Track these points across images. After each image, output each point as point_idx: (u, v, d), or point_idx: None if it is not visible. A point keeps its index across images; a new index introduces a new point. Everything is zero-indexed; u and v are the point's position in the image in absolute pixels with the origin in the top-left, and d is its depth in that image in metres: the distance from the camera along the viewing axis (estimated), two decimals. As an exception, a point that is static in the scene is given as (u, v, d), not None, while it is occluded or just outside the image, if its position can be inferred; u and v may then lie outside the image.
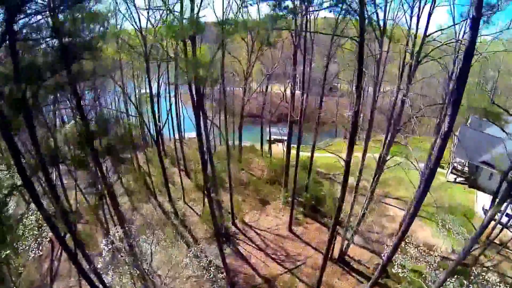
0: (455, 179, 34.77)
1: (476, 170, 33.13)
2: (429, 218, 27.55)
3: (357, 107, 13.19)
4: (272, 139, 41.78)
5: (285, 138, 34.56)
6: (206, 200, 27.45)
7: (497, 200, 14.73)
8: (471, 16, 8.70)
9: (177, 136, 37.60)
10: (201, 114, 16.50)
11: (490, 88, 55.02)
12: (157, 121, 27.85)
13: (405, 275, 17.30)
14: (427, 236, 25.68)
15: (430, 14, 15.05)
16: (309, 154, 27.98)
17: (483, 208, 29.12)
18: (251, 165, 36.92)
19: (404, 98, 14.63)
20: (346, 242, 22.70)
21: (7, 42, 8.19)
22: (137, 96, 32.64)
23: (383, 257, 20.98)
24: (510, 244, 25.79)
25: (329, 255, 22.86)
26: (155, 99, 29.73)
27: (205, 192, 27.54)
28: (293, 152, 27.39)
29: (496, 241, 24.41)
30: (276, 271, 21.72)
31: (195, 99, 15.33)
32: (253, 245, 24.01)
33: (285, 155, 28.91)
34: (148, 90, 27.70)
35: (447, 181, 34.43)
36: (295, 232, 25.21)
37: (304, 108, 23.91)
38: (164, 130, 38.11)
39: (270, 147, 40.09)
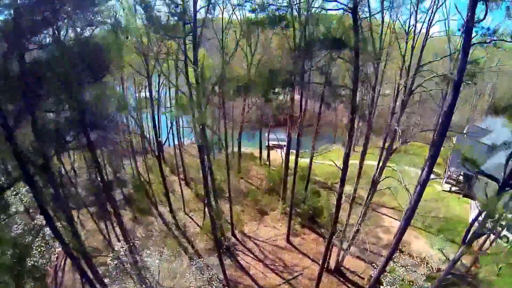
0: (450, 188, 36.36)
1: (471, 179, 34.71)
2: (424, 229, 29.20)
3: (351, 126, 14.75)
4: (271, 145, 43.37)
5: (284, 143, 36.16)
6: (206, 210, 29.02)
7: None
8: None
9: (176, 141, 39.10)
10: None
11: (489, 92, 56.71)
12: (158, 136, 29.29)
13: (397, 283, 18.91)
14: (422, 247, 27.26)
15: (423, 46, 16.54)
16: (308, 160, 29.46)
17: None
18: (250, 173, 38.50)
19: (395, 126, 16.20)
20: (342, 253, 24.32)
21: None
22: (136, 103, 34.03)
23: (375, 268, 22.70)
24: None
25: (326, 266, 24.54)
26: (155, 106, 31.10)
27: (206, 203, 29.18)
28: (292, 157, 28.91)
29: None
30: (275, 282, 23.27)
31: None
32: (252, 256, 25.56)
33: (284, 165, 30.43)
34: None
35: (443, 190, 36.06)
36: (292, 243, 26.77)
37: (303, 115, 25.14)
38: (163, 135, 39.71)
39: (268, 155, 41.67)
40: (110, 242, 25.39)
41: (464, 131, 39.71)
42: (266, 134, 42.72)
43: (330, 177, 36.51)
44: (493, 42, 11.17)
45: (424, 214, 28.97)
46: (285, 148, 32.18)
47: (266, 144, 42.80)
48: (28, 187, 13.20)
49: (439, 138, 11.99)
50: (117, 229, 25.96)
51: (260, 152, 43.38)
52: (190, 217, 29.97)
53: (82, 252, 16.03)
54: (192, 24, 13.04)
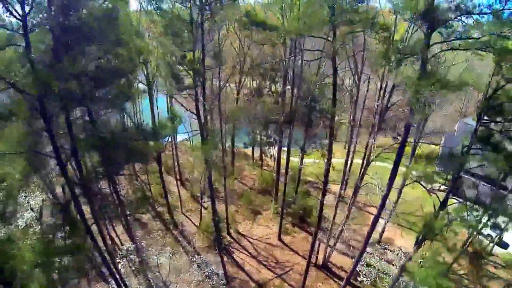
0: (439, 187, 39.65)
1: (459, 178, 37.97)
2: (409, 228, 32.46)
3: (331, 132, 17.62)
4: (262, 142, 46.00)
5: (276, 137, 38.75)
6: (202, 210, 31.84)
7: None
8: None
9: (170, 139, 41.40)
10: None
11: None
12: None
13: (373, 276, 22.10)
14: (405, 244, 30.51)
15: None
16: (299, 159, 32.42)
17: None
18: (243, 173, 41.40)
19: (372, 140, 19.21)
20: (328, 249, 27.45)
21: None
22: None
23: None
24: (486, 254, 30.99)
25: (314, 262, 27.68)
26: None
27: (202, 203, 32.00)
28: (284, 155, 31.64)
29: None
30: (267, 277, 26.30)
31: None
32: (246, 253, 28.52)
33: (276, 165, 33.30)
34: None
35: (432, 189, 39.29)
36: (284, 241, 29.84)
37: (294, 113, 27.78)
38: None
39: (261, 156, 44.44)
40: (114, 241, 28.02)
41: (455, 128, 42.95)
42: (259, 131, 45.38)
43: (321, 177, 39.35)
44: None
45: (409, 213, 32.23)
46: (276, 147, 34.97)
47: (258, 141, 45.41)
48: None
49: (398, 151, 15.07)
50: (116, 229, 28.69)
51: (253, 152, 46.20)
52: (187, 217, 32.75)
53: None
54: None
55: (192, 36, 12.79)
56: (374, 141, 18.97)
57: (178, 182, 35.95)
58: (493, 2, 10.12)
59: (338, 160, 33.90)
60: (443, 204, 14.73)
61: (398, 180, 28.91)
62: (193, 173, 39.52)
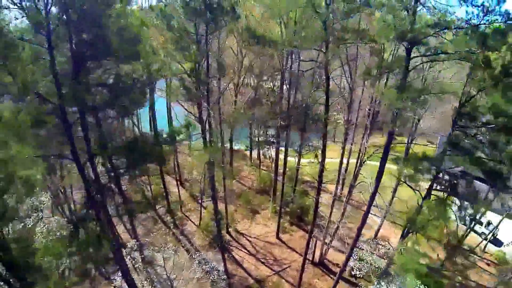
0: (436, 186, 41.10)
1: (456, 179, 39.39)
2: (404, 226, 33.79)
3: (324, 136, 18.87)
4: (260, 140, 47.21)
5: (274, 140, 40.10)
6: (202, 210, 33.04)
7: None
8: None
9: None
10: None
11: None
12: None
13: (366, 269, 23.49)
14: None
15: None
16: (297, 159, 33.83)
17: (458, 216, 35.61)
18: (241, 173, 42.66)
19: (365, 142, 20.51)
20: (325, 247, 28.73)
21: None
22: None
23: (355, 260, 27.28)
24: (478, 250, 32.49)
25: (311, 259, 28.97)
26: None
27: (201, 203, 33.20)
28: (281, 156, 32.90)
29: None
30: (266, 273, 27.52)
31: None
32: (245, 251, 29.73)
33: (274, 166, 34.58)
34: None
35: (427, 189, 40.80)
36: (282, 239, 31.07)
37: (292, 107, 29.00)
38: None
39: (259, 156, 45.76)
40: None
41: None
42: (255, 131, 46.65)
43: (317, 177, 40.73)
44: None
45: (405, 212, 33.54)
46: (274, 147, 36.27)
47: (256, 140, 46.69)
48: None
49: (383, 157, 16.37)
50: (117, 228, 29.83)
51: (251, 152, 47.46)
52: (187, 216, 33.93)
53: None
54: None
55: (198, 50, 14.06)
56: (367, 142, 20.27)
57: (178, 182, 37.07)
58: (471, 17, 11.44)
59: (335, 160, 35.21)
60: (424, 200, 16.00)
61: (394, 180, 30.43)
62: (192, 173, 40.81)
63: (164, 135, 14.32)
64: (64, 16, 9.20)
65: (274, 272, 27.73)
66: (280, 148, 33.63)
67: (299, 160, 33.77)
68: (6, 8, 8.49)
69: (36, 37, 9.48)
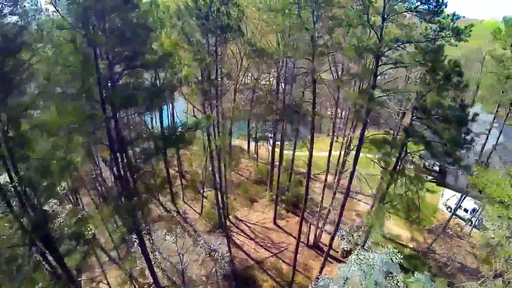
0: (426, 177, 44.71)
1: (444, 169, 43.02)
2: (393, 213, 37.23)
3: (312, 130, 22.04)
4: (257, 136, 50.59)
5: (271, 135, 43.52)
6: (203, 200, 36.24)
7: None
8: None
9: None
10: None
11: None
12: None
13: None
14: (388, 225, 35.36)
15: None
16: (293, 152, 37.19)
17: (445, 204, 39.29)
18: (240, 165, 45.84)
19: (351, 133, 23.72)
20: (319, 230, 32.11)
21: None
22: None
23: (347, 243, 30.72)
24: (463, 235, 36.08)
25: (306, 242, 32.34)
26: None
27: (202, 193, 36.36)
28: (278, 150, 36.23)
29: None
30: (264, 256, 30.72)
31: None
32: (245, 235, 32.91)
33: (270, 158, 37.82)
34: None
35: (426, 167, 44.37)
36: (278, 225, 34.22)
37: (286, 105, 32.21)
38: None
39: (256, 148, 48.96)
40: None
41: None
42: (253, 126, 49.96)
43: (313, 168, 44.08)
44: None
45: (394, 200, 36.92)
46: (271, 141, 39.57)
47: (254, 136, 50.04)
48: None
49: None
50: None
51: (248, 146, 50.67)
52: (189, 205, 37.07)
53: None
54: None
55: (212, 60, 17.12)
56: (353, 134, 23.42)
57: (180, 174, 40.15)
58: (428, 32, 14.61)
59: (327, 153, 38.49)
60: (392, 177, 19.10)
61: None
62: (192, 165, 44.03)
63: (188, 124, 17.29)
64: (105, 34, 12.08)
65: (272, 254, 30.97)
66: (277, 143, 36.95)
67: (293, 152, 37.05)
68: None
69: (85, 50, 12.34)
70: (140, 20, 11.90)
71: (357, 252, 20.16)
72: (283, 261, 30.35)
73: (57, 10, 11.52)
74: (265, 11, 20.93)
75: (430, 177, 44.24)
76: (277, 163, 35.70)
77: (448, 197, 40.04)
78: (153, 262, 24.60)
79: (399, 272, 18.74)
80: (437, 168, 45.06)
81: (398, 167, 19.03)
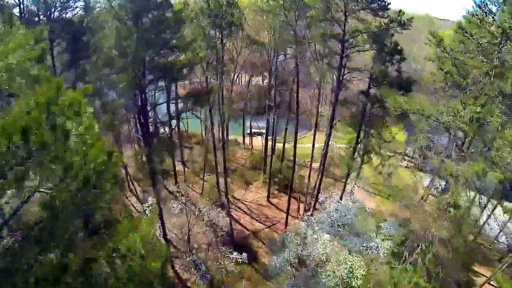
0: (407, 165, 50.33)
1: (424, 155, 48.42)
2: (376, 194, 42.77)
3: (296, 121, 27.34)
4: (252, 132, 56.11)
5: (264, 131, 49.04)
6: (204, 183, 41.19)
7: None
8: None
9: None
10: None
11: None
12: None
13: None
14: (371, 205, 40.66)
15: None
16: (286, 145, 42.62)
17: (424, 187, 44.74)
18: (236, 155, 51.01)
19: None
20: (307, 206, 37.26)
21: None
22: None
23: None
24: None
25: (297, 217, 37.46)
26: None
27: (203, 177, 41.34)
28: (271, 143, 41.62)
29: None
30: (259, 228, 35.72)
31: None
32: (241, 211, 37.95)
33: (264, 147, 43.14)
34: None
35: (400, 166, 49.92)
36: (272, 202, 39.16)
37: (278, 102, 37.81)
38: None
39: (251, 141, 54.28)
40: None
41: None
42: (249, 123, 55.45)
43: (303, 157, 49.53)
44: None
45: (377, 183, 42.51)
46: (264, 135, 45.05)
47: (248, 132, 55.56)
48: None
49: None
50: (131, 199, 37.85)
51: (243, 139, 55.89)
52: (191, 188, 41.95)
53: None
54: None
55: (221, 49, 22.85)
56: (331, 127, 28.80)
57: (182, 161, 45.05)
58: (382, 25, 20.11)
59: (319, 145, 43.95)
60: (353, 154, 24.40)
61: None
62: (192, 154, 49.13)
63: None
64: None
65: (266, 226, 36.01)
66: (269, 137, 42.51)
67: (284, 140, 42.34)
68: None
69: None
70: (174, 15, 17.10)
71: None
72: (276, 232, 35.29)
73: (112, 6, 16.74)
74: (259, 12, 26.63)
75: (411, 164, 50.05)
76: (270, 154, 41.03)
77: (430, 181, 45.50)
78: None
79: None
80: (417, 156, 50.60)
81: (362, 122, 24.37)
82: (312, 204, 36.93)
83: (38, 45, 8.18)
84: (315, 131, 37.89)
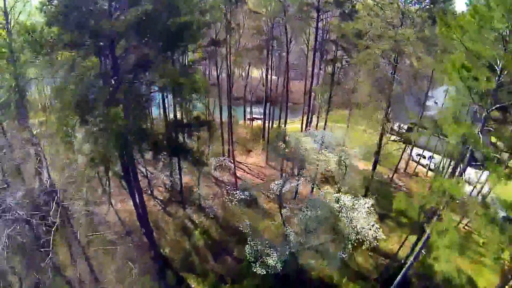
0: (394, 139, 57.61)
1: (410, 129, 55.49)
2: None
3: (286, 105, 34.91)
4: (252, 117, 64.02)
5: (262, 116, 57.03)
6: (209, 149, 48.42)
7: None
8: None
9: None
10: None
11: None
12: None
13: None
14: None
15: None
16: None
17: (412, 156, 52.02)
18: (238, 131, 58.66)
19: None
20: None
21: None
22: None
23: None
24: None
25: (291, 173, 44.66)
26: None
27: (209, 146, 48.72)
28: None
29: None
30: (259, 182, 43.04)
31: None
32: (243, 171, 45.26)
33: (262, 123, 50.82)
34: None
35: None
36: (270, 164, 46.68)
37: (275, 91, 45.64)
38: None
39: (251, 122, 62.11)
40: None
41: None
42: (248, 109, 63.56)
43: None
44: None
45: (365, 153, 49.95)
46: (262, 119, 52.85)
47: (249, 117, 63.66)
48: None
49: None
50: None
51: (244, 118, 63.71)
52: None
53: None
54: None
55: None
56: (310, 112, 36.26)
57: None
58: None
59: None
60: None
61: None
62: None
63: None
64: None
65: (263, 182, 43.30)
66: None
67: (279, 120, 49.86)
68: None
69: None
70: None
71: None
72: (273, 185, 42.60)
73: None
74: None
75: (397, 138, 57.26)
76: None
77: (416, 152, 52.74)
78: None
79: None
80: (403, 130, 57.79)
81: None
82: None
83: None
84: (307, 119, 45.40)
